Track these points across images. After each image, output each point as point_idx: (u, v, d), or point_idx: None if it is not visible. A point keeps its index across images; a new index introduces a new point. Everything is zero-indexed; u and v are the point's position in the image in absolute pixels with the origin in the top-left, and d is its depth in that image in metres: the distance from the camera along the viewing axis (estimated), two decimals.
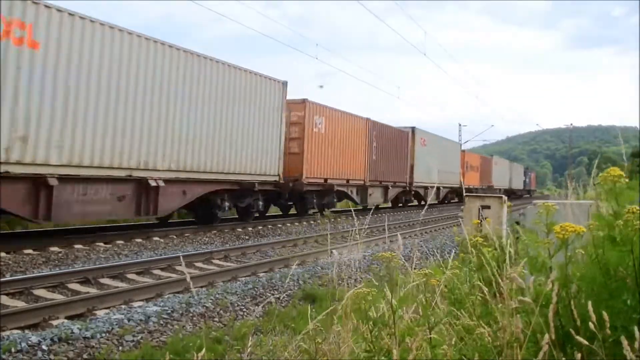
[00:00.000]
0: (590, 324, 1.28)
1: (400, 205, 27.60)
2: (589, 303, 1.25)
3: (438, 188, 30.72)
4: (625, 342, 1.20)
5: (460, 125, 55.63)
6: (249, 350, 2.42)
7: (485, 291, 1.76)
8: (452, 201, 36.72)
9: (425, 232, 16.43)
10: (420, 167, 27.77)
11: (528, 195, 60.20)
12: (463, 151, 38.18)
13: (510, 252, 1.85)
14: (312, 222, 17.16)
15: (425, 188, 28.90)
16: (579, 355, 1.25)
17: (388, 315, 1.60)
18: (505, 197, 6.06)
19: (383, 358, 1.56)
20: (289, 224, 16.39)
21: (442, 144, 33.14)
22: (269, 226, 15.52)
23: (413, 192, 27.81)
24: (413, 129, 27.61)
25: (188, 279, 2.10)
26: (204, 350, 1.80)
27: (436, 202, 32.90)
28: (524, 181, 60.89)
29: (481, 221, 3.80)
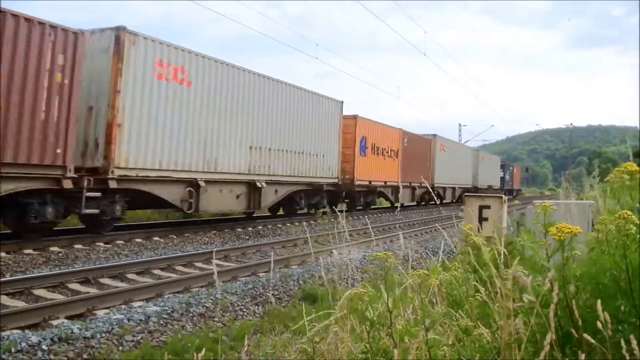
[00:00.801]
0: (591, 323, 1.29)
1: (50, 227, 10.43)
2: (598, 302, 1.25)
3: (252, 184, 14.46)
4: (629, 344, 1.20)
5: (460, 125, 55.62)
6: (245, 349, 2.42)
7: (482, 291, 1.77)
8: (323, 210, 15.63)
9: (426, 232, 16.44)
10: (146, 134, 11.20)
11: (510, 197, 47.07)
12: (354, 118, 20.38)
13: (504, 252, 1.85)
14: (312, 222, 17.14)
15: (193, 184, 12.50)
16: (582, 356, 1.25)
17: (384, 316, 1.60)
18: (505, 197, 6.04)
19: (381, 359, 1.57)
20: (289, 224, 16.39)
21: (274, 91, 15.45)
22: (269, 226, 15.51)
23: (102, 194, 10.32)
24: (118, 31, 10.63)
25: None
26: (203, 350, 1.81)
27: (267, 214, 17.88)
28: (502, 178, 48.25)
29: (481, 222, 3.80)
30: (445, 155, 30.82)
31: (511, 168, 53.98)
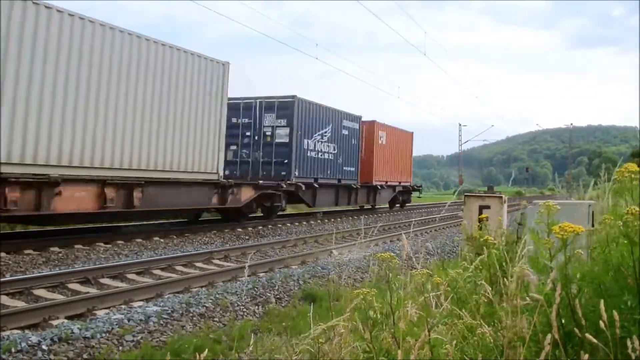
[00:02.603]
0: (594, 323, 1.28)
1: None
2: (601, 301, 1.24)
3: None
4: (632, 343, 1.20)
5: (460, 125, 55.62)
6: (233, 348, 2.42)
7: (488, 290, 1.76)
8: None
9: (426, 232, 16.43)
10: None
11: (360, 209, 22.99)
12: None
13: (507, 253, 1.85)
14: (312, 222, 17.16)
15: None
16: (586, 356, 1.25)
17: (385, 316, 1.59)
18: (505, 197, 6.02)
19: (383, 358, 1.56)
20: (289, 224, 16.40)
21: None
22: (269, 226, 15.51)
23: None
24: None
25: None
26: (205, 351, 1.80)
27: None
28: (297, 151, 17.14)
29: (482, 221, 3.79)
30: None
31: (358, 125, 21.30)
